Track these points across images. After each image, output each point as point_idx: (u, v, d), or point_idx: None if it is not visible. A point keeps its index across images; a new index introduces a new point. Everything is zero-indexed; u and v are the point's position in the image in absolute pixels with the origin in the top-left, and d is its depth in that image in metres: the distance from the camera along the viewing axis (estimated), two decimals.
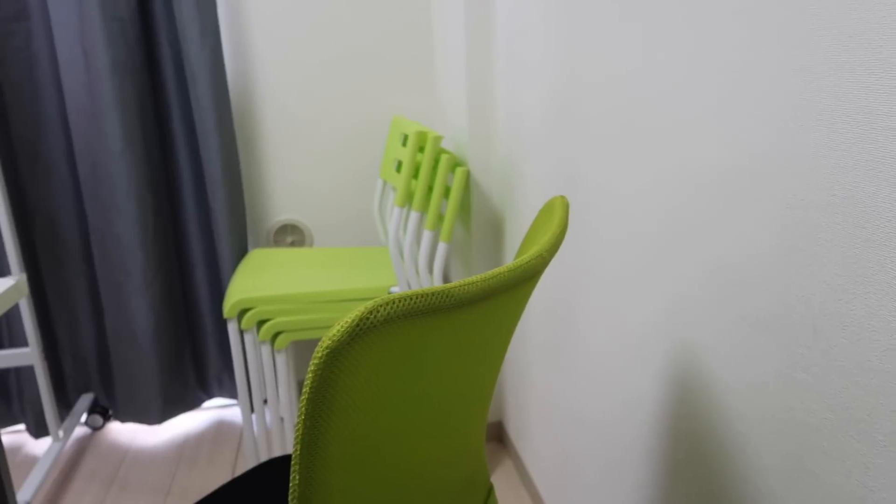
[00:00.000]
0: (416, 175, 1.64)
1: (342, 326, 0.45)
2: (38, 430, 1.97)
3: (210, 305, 2.03)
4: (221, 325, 2.04)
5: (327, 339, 0.45)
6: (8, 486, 1.09)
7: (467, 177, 1.69)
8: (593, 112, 1.11)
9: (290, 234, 2.11)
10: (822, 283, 0.62)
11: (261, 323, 1.58)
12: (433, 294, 0.48)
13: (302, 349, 2.18)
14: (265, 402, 2.01)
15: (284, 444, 1.76)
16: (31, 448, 1.98)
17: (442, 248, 1.60)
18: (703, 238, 0.82)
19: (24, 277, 1.02)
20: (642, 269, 0.99)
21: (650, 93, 0.92)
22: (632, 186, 1.00)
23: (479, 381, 0.68)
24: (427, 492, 0.65)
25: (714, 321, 0.81)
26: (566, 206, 0.72)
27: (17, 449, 1.98)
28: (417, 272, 1.65)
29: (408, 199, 1.62)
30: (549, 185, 1.35)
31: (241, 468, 1.84)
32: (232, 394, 2.11)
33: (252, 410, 1.76)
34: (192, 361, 2.06)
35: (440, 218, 1.63)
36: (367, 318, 0.45)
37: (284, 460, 1.10)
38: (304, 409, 0.48)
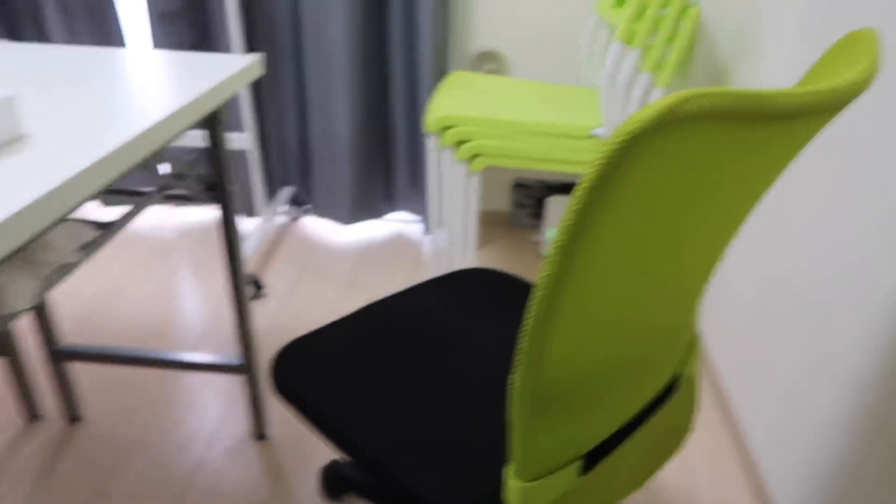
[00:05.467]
0: (640, 14, 1.50)
1: (649, 113, 0.42)
2: (246, 212, 2.19)
3: (405, 120, 2.07)
4: (413, 140, 2.10)
5: (628, 125, 0.43)
6: (237, 261, 1.23)
7: (698, 20, 1.53)
8: None
9: (489, 62, 2.06)
10: None
11: (459, 143, 1.59)
12: (750, 96, 0.43)
13: (485, 179, 2.21)
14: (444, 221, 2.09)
15: (465, 263, 1.83)
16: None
17: (657, 93, 1.50)
18: None
19: (257, 58, 1.07)
20: None
21: None
22: None
23: (731, 223, 0.64)
24: (653, 324, 0.64)
25: None
26: (877, 41, 0.62)
27: None
28: (626, 115, 1.57)
29: (629, 36, 1.50)
30: (801, 43, 1.19)
31: (417, 280, 1.96)
32: (414, 210, 2.21)
33: (439, 226, 1.83)
34: (382, 172, 2.16)
35: (661, 61, 1.50)
36: (679, 107, 0.42)
37: (476, 272, 1.15)
38: (581, 197, 0.47)
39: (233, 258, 1.21)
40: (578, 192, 0.47)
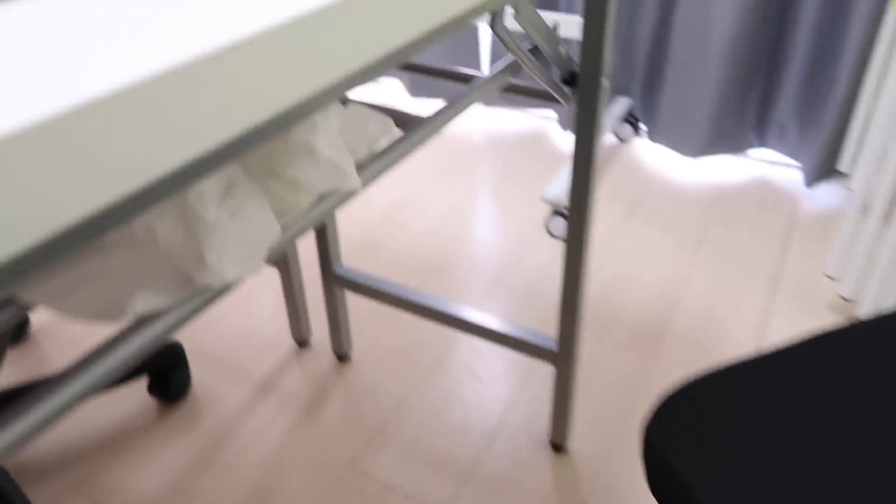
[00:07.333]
0: None
1: None
2: (563, 124, 1.76)
3: (818, 10, 1.43)
4: (824, 41, 1.44)
5: None
6: (587, 193, 0.79)
7: None
8: None
9: None
10: None
11: None
12: None
13: None
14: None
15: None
16: (557, 140, 1.81)
17: None
18: None
19: None
20: None
21: None
22: None
23: None
24: None
25: None
26: None
27: (545, 135, 1.82)
28: None
29: None
30: None
31: (795, 249, 1.37)
32: (791, 151, 1.58)
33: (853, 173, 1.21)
34: (759, 92, 1.55)
35: None
36: None
37: None
38: None
39: (581, 186, 0.78)
40: None
